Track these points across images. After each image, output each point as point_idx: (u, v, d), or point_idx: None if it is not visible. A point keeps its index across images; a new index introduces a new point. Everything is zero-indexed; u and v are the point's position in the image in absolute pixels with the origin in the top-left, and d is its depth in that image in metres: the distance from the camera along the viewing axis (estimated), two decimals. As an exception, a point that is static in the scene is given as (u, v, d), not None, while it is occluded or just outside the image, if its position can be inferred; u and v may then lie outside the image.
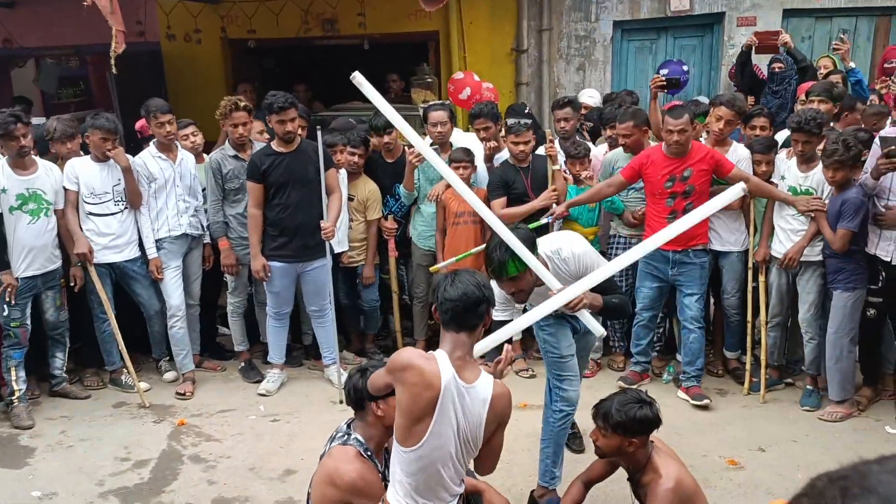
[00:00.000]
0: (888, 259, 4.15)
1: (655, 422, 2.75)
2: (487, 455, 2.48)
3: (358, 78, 3.04)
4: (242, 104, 4.88)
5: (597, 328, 3.24)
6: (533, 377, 5.02)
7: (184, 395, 4.89)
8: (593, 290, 3.15)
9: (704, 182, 4.38)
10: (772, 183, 4.54)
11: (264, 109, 4.69)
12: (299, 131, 4.70)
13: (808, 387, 4.58)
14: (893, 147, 3.99)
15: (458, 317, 2.33)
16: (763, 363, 4.64)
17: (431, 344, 5.51)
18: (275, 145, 4.66)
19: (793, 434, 4.21)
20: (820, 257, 4.37)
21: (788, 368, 4.91)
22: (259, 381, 5.05)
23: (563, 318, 3.43)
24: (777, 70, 5.97)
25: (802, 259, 4.42)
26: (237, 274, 5.07)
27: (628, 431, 2.72)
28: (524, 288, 3.12)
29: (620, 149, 4.90)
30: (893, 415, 4.35)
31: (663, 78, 5.23)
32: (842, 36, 6.34)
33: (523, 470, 3.82)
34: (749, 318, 4.68)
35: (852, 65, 5.98)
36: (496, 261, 2.99)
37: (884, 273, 4.21)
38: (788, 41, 5.84)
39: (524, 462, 3.90)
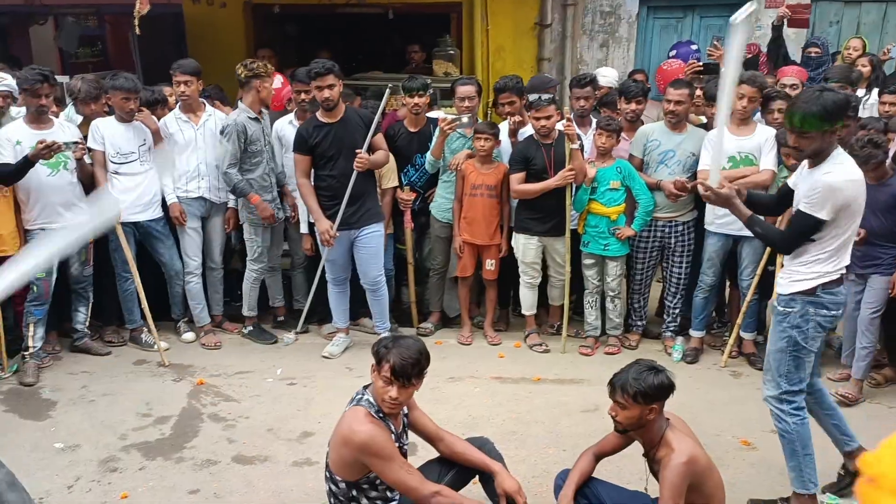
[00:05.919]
0: None
1: (670, 387, 2.80)
2: None
3: None
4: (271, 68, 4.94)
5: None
6: (547, 352, 5.05)
7: (213, 346, 5.05)
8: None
9: None
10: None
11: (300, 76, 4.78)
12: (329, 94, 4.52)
13: None
14: None
15: None
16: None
17: (444, 318, 5.55)
18: (321, 116, 4.65)
19: (805, 416, 4.23)
20: None
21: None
22: (273, 343, 5.15)
23: None
24: (814, 55, 5.84)
25: None
26: (274, 222, 5.01)
27: (647, 399, 2.76)
28: (805, 147, 2.97)
29: (661, 122, 4.91)
30: (905, 400, 4.37)
31: (700, 64, 5.18)
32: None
33: (537, 442, 3.87)
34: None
35: None
36: (800, 107, 2.92)
37: None
38: None
39: (538, 434, 3.96)
